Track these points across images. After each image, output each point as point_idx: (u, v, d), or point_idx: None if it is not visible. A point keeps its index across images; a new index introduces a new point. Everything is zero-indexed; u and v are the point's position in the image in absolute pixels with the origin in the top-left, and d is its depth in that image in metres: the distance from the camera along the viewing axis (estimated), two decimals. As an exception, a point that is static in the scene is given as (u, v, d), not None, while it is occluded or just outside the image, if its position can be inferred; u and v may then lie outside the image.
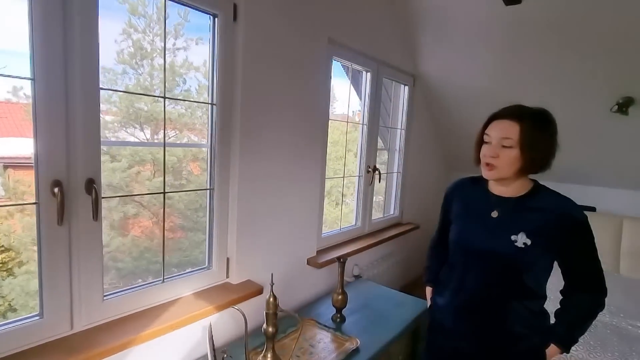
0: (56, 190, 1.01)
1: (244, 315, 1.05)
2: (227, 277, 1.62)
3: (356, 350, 1.36)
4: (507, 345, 1.06)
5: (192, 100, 1.48)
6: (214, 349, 1.06)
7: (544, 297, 1.09)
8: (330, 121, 2.27)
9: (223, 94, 1.47)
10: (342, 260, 1.60)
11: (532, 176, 1.10)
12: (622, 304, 2.03)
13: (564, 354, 1.10)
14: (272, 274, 1.10)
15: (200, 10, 1.37)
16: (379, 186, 2.84)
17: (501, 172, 1.01)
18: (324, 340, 1.42)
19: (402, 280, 2.95)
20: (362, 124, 2.42)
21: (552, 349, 1.08)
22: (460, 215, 1.15)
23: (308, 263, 1.96)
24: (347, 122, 2.31)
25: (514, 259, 1.01)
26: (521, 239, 1.00)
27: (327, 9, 1.86)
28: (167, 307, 1.36)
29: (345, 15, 2.01)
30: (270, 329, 1.01)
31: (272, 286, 1.04)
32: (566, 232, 1.00)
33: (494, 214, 1.06)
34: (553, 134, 1.03)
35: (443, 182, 3.66)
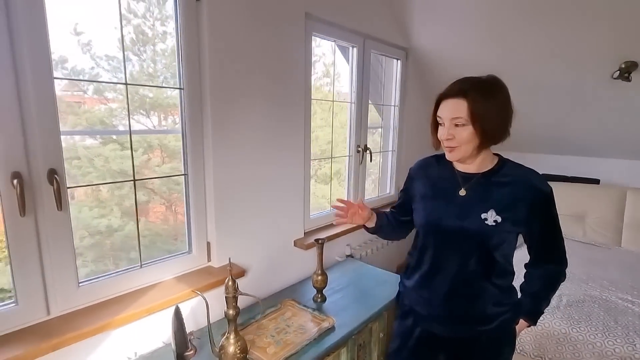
0: (15, 182, 1.03)
1: (205, 299, 1.06)
2: (209, 260, 1.64)
3: (331, 329, 1.37)
4: (479, 325, 1.05)
5: (158, 85, 1.46)
6: (183, 331, 1.09)
7: (512, 273, 1.08)
8: (318, 101, 2.23)
9: (190, 77, 1.44)
10: (320, 242, 1.60)
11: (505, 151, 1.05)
12: (617, 277, 1.98)
13: (541, 328, 1.09)
14: (229, 258, 1.10)
15: (158, -9, 1.33)
16: (375, 165, 2.81)
17: (461, 151, 0.98)
18: (301, 320, 1.44)
19: (398, 259, 2.95)
20: (351, 102, 2.36)
21: (521, 324, 1.09)
22: (426, 195, 1.11)
23: (295, 245, 1.96)
24: (333, 101, 2.26)
25: (487, 237, 0.98)
26: (491, 217, 0.98)
27: (302, -17, 1.78)
28: (146, 292, 1.39)
29: (323, -12, 1.92)
30: (231, 312, 1.03)
31: (230, 270, 1.05)
32: (533, 205, 0.98)
33: (462, 192, 1.03)
34: (505, 100, 0.97)
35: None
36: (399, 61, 2.70)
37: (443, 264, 1.05)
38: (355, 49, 2.27)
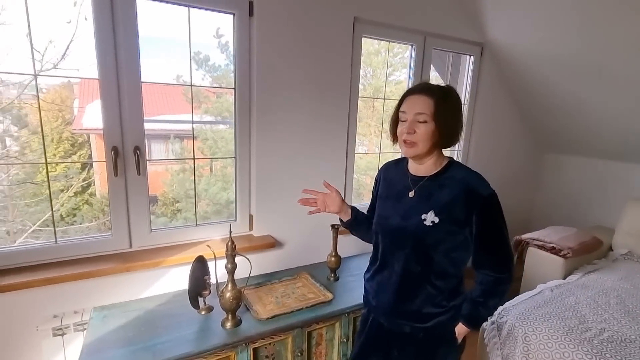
0: (112, 153, 1.53)
1: (214, 254, 1.39)
2: (251, 229, 2.00)
3: (327, 303, 1.56)
4: (416, 322, 1.10)
5: (216, 86, 1.84)
6: (204, 275, 1.45)
7: (456, 276, 1.08)
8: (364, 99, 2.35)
9: (241, 80, 1.77)
10: (335, 227, 1.78)
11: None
12: None
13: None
14: (230, 225, 1.40)
15: (219, 11, 1.68)
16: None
17: (419, 147, 1.02)
18: (306, 290, 1.66)
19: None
20: (406, 100, 2.40)
21: (460, 327, 1.10)
22: (382, 196, 1.19)
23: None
24: (384, 99, 2.35)
25: (423, 237, 1.03)
26: (430, 218, 1.02)
27: (351, -11, 1.92)
28: (197, 245, 1.82)
29: (375, -8, 2.01)
30: (229, 266, 1.33)
31: (230, 234, 1.35)
32: (469, 207, 0.99)
33: (411, 194, 1.08)
34: (459, 109, 1.05)
35: (535, 164, 3.24)
36: (471, 57, 2.56)
37: (389, 260, 1.12)
38: (414, 48, 2.29)
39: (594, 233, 2.50)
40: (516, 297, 1.89)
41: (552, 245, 2.28)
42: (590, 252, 2.34)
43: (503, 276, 1.04)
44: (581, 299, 1.81)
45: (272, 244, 1.93)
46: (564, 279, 2.16)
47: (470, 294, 1.09)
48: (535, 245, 2.37)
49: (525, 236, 2.46)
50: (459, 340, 1.12)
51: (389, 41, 2.23)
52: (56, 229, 1.54)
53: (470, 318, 1.08)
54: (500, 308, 1.78)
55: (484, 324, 1.74)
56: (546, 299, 1.83)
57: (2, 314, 1.40)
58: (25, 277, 1.40)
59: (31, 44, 1.37)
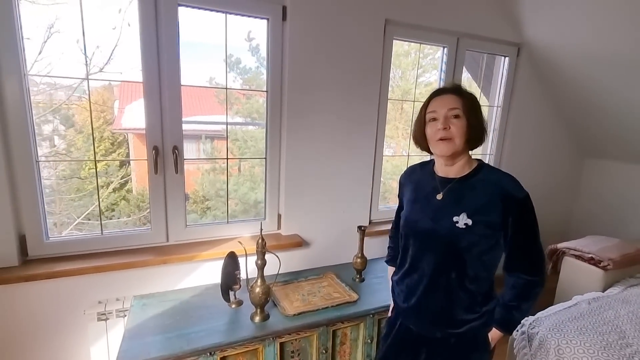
0: (153, 152, 1.63)
1: (245, 249, 1.45)
2: (279, 228, 2.05)
3: (352, 303, 1.58)
4: (448, 328, 1.09)
5: (249, 89, 1.90)
6: (235, 270, 1.51)
7: (488, 280, 1.07)
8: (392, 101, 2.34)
9: (272, 83, 1.83)
10: (362, 229, 1.79)
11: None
12: None
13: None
14: (261, 223, 1.45)
15: (254, 17, 1.74)
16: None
17: (456, 143, 1.02)
18: (331, 289, 1.69)
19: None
20: (437, 103, 2.37)
21: (493, 332, 1.08)
22: (409, 199, 1.18)
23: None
24: (414, 101, 2.33)
25: (455, 240, 1.02)
26: (462, 220, 1.01)
27: (383, -8, 1.93)
28: (228, 241, 1.89)
29: (407, -6, 2.01)
30: (259, 262, 1.38)
31: (261, 232, 1.40)
32: (505, 210, 0.99)
33: (439, 196, 1.08)
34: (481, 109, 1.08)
35: (574, 170, 3.09)
36: (506, 58, 2.49)
37: (420, 264, 1.11)
38: (445, 49, 2.26)
39: (639, 245, 2.35)
40: (549, 308, 1.83)
41: (590, 255, 2.17)
42: (634, 265, 2.20)
43: (536, 279, 1.02)
44: (622, 313, 1.72)
45: (300, 243, 1.97)
46: (603, 291, 2.05)
47: (502, 298, 1.07)
48: (572, 255, 2.26)
49: (561, 245, 2.36)
50: (492, 345, 1.10)
51: (420, 43, 2.21)
52: (99, 222, 1.66)
53: (504, 323, 1.07)
54: (531, 318, 1.73)
55: (514, 333, 1.70)
56: (582, 312, 1.75)
57: (55, 297, 1.53)
58: (75, 264, 1.52)
59: (85, 51, 1.49)
